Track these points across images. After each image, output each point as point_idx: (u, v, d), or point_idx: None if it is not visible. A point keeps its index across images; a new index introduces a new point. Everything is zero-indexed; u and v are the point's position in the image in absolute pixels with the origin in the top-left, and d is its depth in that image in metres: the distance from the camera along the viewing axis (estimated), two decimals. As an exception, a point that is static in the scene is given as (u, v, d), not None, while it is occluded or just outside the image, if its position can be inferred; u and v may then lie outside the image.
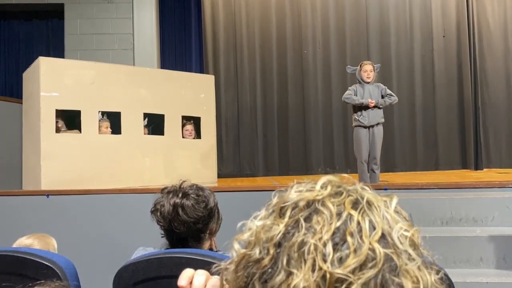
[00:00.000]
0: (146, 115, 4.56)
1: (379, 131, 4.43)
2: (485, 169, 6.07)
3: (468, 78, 6.25)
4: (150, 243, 1.59)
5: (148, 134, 4.58)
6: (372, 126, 4.42)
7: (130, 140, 4.43)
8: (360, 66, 4.61)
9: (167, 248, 1.47)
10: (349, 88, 4.64)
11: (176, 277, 1.34)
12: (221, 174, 5.86)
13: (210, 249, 1.51)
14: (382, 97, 4.54)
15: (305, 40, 6.41)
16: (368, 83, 4.49)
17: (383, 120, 4.46)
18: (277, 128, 6.37)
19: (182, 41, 6.79)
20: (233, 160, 6.36)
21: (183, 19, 6.82)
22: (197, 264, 1.26)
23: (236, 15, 6.49)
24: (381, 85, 4.65)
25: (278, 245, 0.46)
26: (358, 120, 4.43)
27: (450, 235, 3.16)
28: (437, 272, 0.49)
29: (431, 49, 6.35)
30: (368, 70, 4.51)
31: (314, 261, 0.44)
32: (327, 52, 6.40)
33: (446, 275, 1.30)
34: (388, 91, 4.58)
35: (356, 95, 4.50)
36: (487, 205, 3.30)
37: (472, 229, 3.22)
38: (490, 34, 6.33)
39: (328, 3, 6.43)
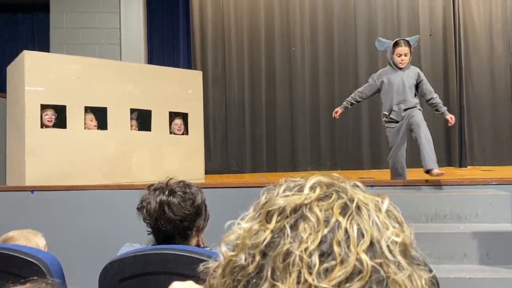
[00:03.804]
0: (134, 110, 4.53)
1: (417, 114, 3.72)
2: (469, 167, 6.16)
3: (453, 76, 6.32)
4: (136, 240, 1.58)
5: (137, 127, 4.54)
6: (403, 119, 3.77)
7: (116, 136, 4.40)
8: (394, 46, 3.78)
9: (154, 245, 1.46)
10: (372, 76, 3.93)
11: (163, 273, 1.34)
12: (209, 170, 5.85)
13: (198, 245, 1.51)
14: (416, 87, 3.82)
15: (293, 37, 6.41)
16: (401, 69, 3.76)
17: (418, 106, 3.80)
18: (265, 124, 6.37)
19: (170, 36, 6.74)
20: (220, 157, 6.35)
21: (171, 14, 6.77)
22: (184, 261, 1.26)
23: (224, 11, 6.46)
24: (418, 71, 3.85)
25: (263, 254, 0.45)
26: (387, 115, 3.81)
27: (434, 232, 3.20)
28: (428, 273, 0.48)
29: (417, 47, 6.41)
30: (403, 54, 3.72)
31: (300, 273, 0.43)
32: (315, 49, 6.41)
33: (434, 275, 1.32)
34: (429, 88, 3.82)
35: (381, 84, 3.80)
36: (471, 202, 3.35)
37: (456, 226, 3.27)
38: (475, 33, 6.41)
39: (317, 0, 6.44)
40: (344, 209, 0.46)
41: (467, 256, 3.11)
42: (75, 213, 3.74)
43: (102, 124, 4.34)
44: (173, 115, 4.74)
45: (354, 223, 0.45)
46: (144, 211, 1.43)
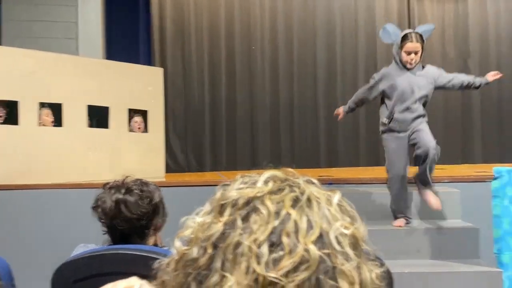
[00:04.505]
0: (90, 107, 4.40)
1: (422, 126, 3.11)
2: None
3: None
4: (93, 240, 1.54)
5: (89, 123, 4.41)
6: (407, 131, 3.10)
7: (72, 133, 4.26)
8: (402, 40, 3.03)
9: (110, 245, 1.43)
10: (373, 76, 3.27)
11: (119, 274, 1.31)
12: (169, 168, 5.77)
13: (155, 245, 1.48)
14: (443, 85, 3.15)
15: (254, 36, 6.43)
16: (410, 69, 3.06)
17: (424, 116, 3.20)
18: (225, 122, 6.36)
19: (129, 32, 6.59)
20: (181, 155, 6.28)
21: (131, 10, 6.62)
22: (141, 260, 1.23)
23: (184, 8, 6.39)
24: (434, 70, 3.17)
25: (215, 246, 0.45)
26: (386, 124, 3.13)
27: (390, 228, 3.30)
28: (379, 268, 0.49)
29: (374, 51, 6.57)
30: (413, 52, 3.00)
31: (248, 263, 0.43)
32: (275, 49, 6.45)
33: (387, 269, 1.36)
34: (446, 77, 3.15)
35: (381, 82, 3.13)
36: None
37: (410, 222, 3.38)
38: (430, 38, 6.65)
39: (277, 1, 6.48)
40: (295, 202, 0.47)
41: (420, 251, 3.23)
42: (27, 213, 3.60)
43: (57, 120, 4.20)
44: (132, 113, 4.65)
45: (304, 215, 0.46)
46: (99, 210, 1.39)
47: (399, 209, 3.26)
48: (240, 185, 0.50)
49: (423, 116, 3.15)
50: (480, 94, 6.60)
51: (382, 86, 3.14)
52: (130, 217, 1.38)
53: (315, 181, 0.52)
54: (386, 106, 3.15)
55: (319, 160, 6.34)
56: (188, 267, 0.47)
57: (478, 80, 3.13)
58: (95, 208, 1.41)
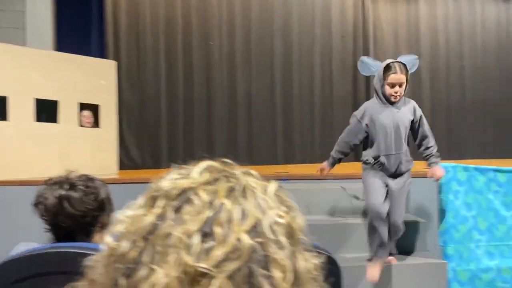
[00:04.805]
0: (38, 100, 4.22)
1: (404, 183, 2.88)
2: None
3: (362, 77, 6.70)
4: (37, 239, 1.47)
5: (39, 120, 4.24)
6: (394, 176, 2.87)
7: (18, 128, 4.08)
8: (385, 71, 2.75)
9: (53, 243, 1.37)
10: (354, 115, 2.94)
11: (62, 273, 1.26)
12: (123, 165, 5.63)
13: (102, 242, 1.44)
14: (413, 129, 2.87)
15: (211, 28, 6.37)
16: (393, 103, 2.79)
17: (412, 165, 2.94)
18: (181, 118, 6.27)
19: (81, 22, 6.34)
20: (135, 151, 6.14)
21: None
22: (85, 259, 1.19)
23: (139, 0, 6.24)
24: (414, 105, 2.88)
25: (145, 239, 0.44)
26: (370, 163, 2.87)
27: (341, 222, 3.38)
28: (317, 258, 0.48)
29: (330, 47, 6.69)
30: (397, 84, 2.71)
31: (178, 254, 0.42)
32: (232, 42, 6.43)
33: (332, 260, 1.37)
34: (427, 132, 2.88)
35: (367, 124, 2.84)
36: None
37: (365, 217, 3.48)
38: (383, 38, 6.86)
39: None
40: (230, 192, 0.46)
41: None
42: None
43: (1, 114, 4.00)
44: (81, 107, 4.51)
45: (238, 204, 0.45)
46: (41, 206, 1.33)
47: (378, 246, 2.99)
48: (174, 176, 0.49)
49: (407, 171, 2.89)
50: (429, 92, 6.87)
51: (365, 122, 2.86)
52: (74, 214, 1.33)
53: (253, 172, 0.51)
54: (370, 143, 2.88)
55: (276, 156, 6.39)
56: (117, 262, 0.45)
57: (429, 159, 2.92)
58: (36, 204, 1.35)
